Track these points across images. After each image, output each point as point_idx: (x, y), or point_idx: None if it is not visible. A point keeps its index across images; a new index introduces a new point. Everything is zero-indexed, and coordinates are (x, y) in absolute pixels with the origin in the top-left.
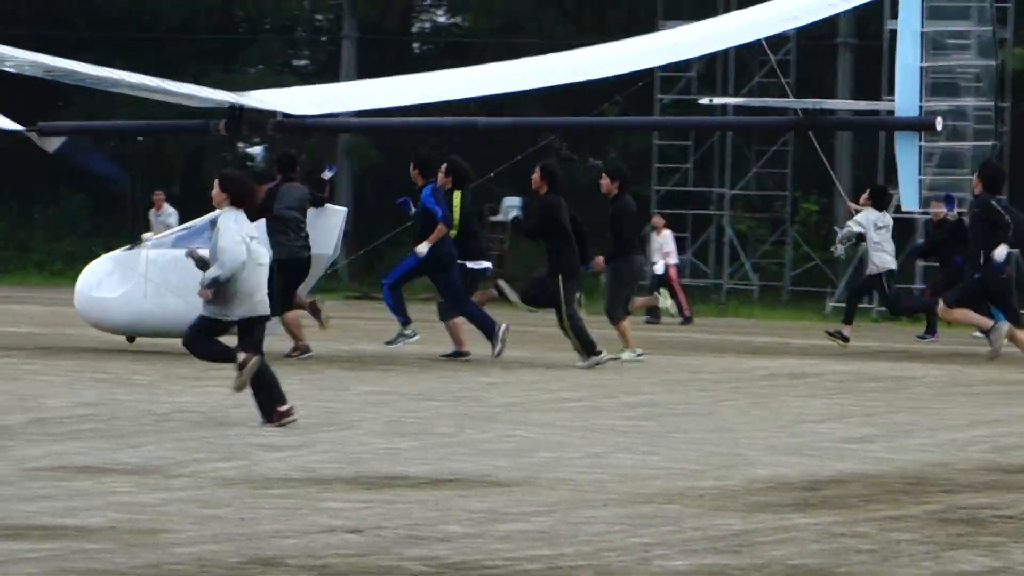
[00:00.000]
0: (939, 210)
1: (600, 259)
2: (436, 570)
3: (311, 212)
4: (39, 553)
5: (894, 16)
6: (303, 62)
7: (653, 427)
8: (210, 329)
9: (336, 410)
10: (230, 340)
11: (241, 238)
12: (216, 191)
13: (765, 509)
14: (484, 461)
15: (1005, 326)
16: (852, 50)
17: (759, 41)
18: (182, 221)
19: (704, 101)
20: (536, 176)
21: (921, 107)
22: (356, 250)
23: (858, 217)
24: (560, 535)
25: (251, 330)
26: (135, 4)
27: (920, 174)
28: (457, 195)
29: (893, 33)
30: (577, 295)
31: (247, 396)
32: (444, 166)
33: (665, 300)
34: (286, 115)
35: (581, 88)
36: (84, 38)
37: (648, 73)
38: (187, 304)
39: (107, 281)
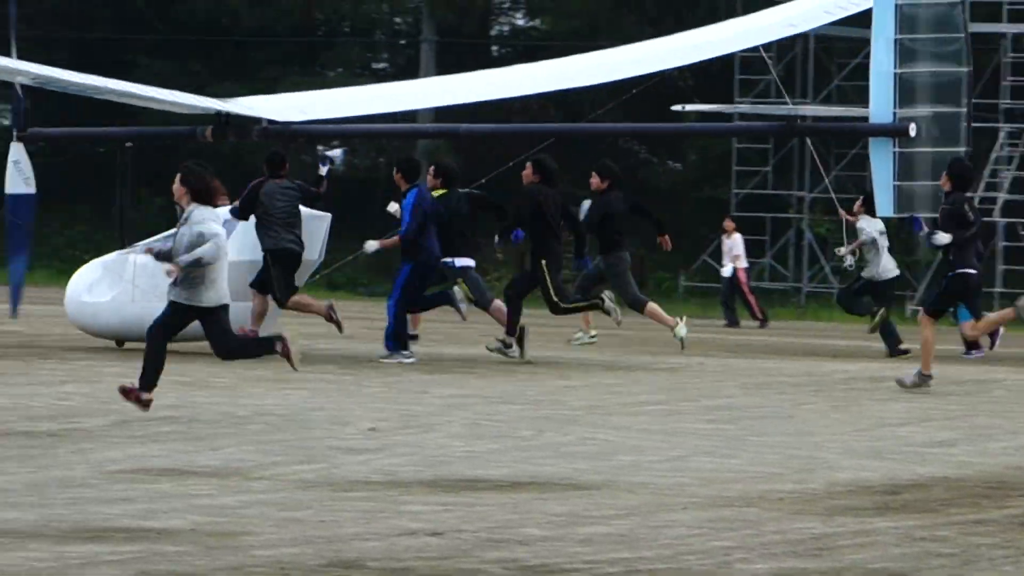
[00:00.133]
0: None
1: (665, 236)
2: (516, 573)
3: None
4: (120, 556)
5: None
6: (382, 65)
7: (733, 430)
8: (181, 315)
9: (415, 413)
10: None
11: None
12: (177, 185)
13: (845, 513)
14: (564, 464)
15: (966, 325)
16: None
17: (835, 45)
18: (169, 226)
19: (676, 108)
20: (527, 170)
21: (895, 113)
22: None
23: (862, 225)
24: (640, 538)
25: (217, 319)
26: (214, 7)
27: (895, 180)
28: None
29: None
30: (606, 292)
31: (326, 399)
32: (432, 168)
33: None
34: (271, 121)
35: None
36: (162, 41)
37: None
38: None
39: (97, 286)
